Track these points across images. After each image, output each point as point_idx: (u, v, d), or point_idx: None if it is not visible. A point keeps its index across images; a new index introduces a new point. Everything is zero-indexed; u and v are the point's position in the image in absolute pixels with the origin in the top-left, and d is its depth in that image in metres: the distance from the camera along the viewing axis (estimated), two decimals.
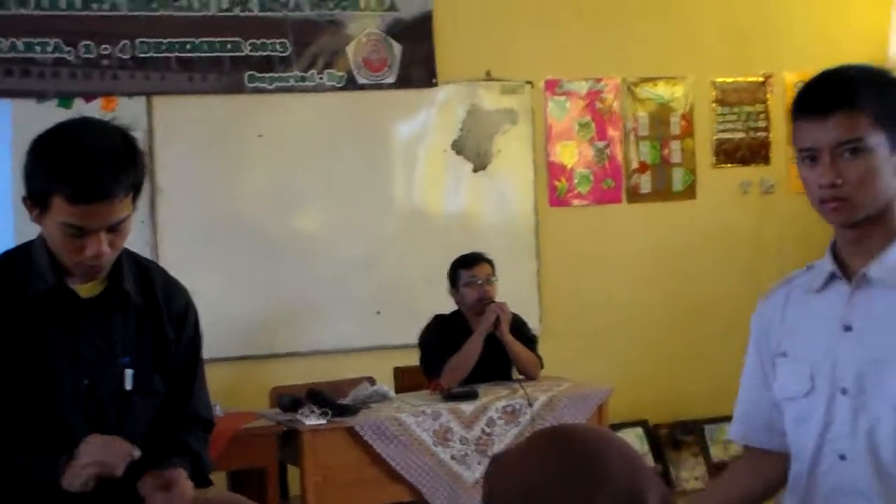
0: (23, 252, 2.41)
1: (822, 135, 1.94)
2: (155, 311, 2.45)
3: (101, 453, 2.28)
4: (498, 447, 4.60)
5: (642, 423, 6.31)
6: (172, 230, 5.48)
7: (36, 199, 2.25)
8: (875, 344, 1.96)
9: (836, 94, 1.95)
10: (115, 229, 2.26)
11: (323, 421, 4.43)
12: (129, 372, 2.39)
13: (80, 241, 2.24)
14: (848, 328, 2.00)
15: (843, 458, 2.00)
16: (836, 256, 2.05)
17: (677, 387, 6.45)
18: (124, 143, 2.30)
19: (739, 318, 6.53)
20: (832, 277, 2.05)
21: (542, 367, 5.10)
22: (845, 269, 2.04)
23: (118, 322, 2.40)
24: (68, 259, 2.29)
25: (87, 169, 2.19)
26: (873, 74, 2.02)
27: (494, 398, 4.71)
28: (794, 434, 2.09)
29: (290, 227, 5.85)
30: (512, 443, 4.61)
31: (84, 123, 2.39)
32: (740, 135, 6.68)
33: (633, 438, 6.06)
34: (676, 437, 6.34)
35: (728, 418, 6.74)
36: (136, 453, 2.30)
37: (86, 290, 2.38)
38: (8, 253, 2.45)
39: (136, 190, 2.28)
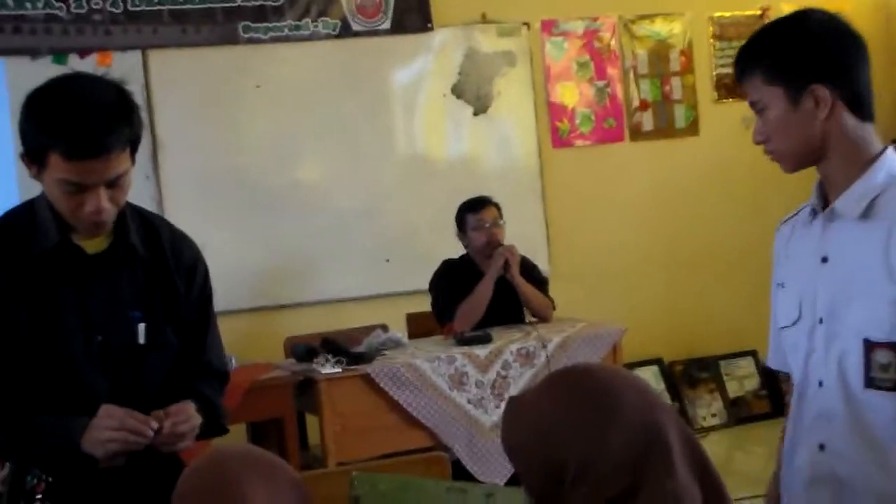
0: (26, 210, 2.35)
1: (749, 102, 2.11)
2: (163, 264, 2.40)
3: (120, 428, 2.24)
4: (514, 390, 4.59)
5: (657, 362, 6.31)
6: (175, 184, 5.43)
7: (33, 156, 2.20)
8: (844, 274, 2.04)
9: (740, 65, 2.14)
10: (115, 184, 2.21)
11: (338, 369, 4.41)
12: (141, 326, 2.34)
13: (80, 197, 2.19)
14: (825, 260, 2.08)
15: (821, 384, 2.08)
16: (823, 191, 2.14)
17: (690, 324, 6.45)
18: (119, 96, 2.24)
19: (745, 253, 6.62)
20: (814, 212, 2.14)
21: (554, 308, 5.08)
22: (827, 203, 2.11)
23: (126, 276, 2.35)
24: (70, 215, 2.25)
25: (82, 124, 2.14)
26: (769, 32, 2.14)
27: (508, 341, 4.68)
28: (791, 362, 2.19)
29: (292, 178, 5.81)
30: (528, 385, 4.60)
31: (76, 78, 2.33)
32: None
33: (649, 377, 6.05)
34: (692, 374, 6.35)
35: (742, 353, 6.78)
36: (155, 425, 2.26)
37: (91, 245, 2.33)
38: (11, 211, 2.39)
39: (133, 144, 2.23)
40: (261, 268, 5.61)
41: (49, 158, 2.15)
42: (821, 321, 2.06)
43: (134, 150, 2.24)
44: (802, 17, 2.10)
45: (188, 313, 2.44)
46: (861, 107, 2.06)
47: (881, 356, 1.99)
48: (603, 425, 1.48)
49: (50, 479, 2.13)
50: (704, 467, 1.50)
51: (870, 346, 1.99)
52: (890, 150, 2.10)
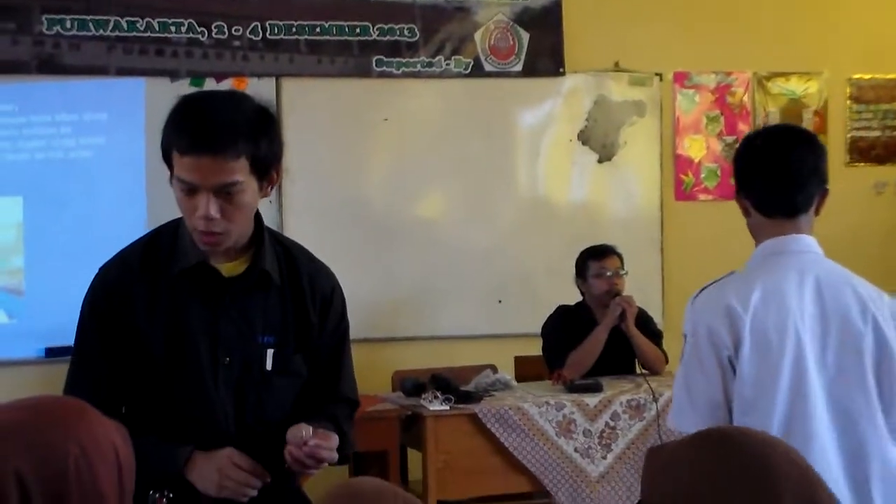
0: (172, 228, 2.41)
1: None
2: (298, 293, 2.42)
3: (244, 484, 2.28)
4: (622, 442, 4.52)
5: None
6: (297, 212, 5.50)
7: (165, 158, 2.26)
8: None
9: None
10: (227, 194, 2.21)
11: (446, 407, 4.39)
12: (269, 352, 2.36)
13: (193, 201, 2.22)
14: None
15: None
16: None
17: None
18: (253, 109, 2.27)
19: None
20: None
21: (666, 362, 4.99)
22: None
23: (259, 301, 2.37)
24: (188, 223, 2.28)
25: (201, 120, 2.19)
26: None
27: (619, 392, 4.61)
28: None
29: (413, 213, 5.84)
30: (637, 438, 4.52)
31: (223, 90, 2.39)
32: (876, 133, 6.46)
33: None
34: None
35: None
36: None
37: (228, 269, 2.36)
38: (159, 229, 2.45)
39: (256, 160, 2.22)
40: (375, 300, 5.63)
41: (172, 157, 2.22)
42: None
43: (258, 169, 2.24)
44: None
45: (323, 344, 2.45)
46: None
47: None
48: (759, 500, 1.42)
49: (171, 496, 2.15)
50: None
51: None
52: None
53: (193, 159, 2.18)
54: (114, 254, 2.43)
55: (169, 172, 2.28)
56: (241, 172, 2.21)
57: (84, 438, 1.46)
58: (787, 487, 1.42)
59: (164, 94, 5.11)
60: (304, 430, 2.24)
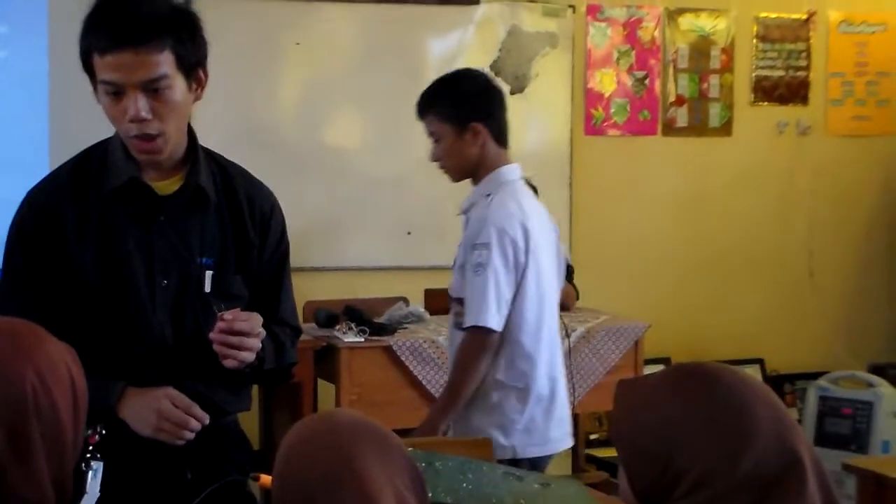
0: (100, 148, 2.32)
1: None
2: (237, 212, 2.33)
3: (177, 422, 2.19)
4: None
5: (665, 361, 6.25)
6: (204, 136, 5.22)
7: (85, 65, 2.18)
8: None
9: (420, 106, 3.46)
10: (155, 91, 2.13)
11: (360, 339, 4.36)
12: (208, 273, 2.28)
13: (121, 104, 2.14)
14: None
15: None
16: None
17: (701, 326, 6.40)
18: (173, 5, 2.19)
19: (767, 260, 6.56)
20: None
21: (577, 297, 5.02)
22: None
23: (196, 220, 2.28)
24: (120, 131, 2.20)
25: (120, 15, 2.12)
26: (443, 83, 3.51)
27: None
28: None
29: (322, 141, 5.74)
30: None
31: None
32: (780, 73, 6.55)
33: None
34: None
35: (749, 360, 6.74)
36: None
37: (162, 187, 2.27)
38: (86, 150, 2.35)
39: (180, 55, 2.15)
40: None
41: (93, 61, 2.13)
42: None
43: (184, 65, 2.16)
44: (465, 74, 3.38)
45: (262, 267, 2.37)
46: (500, 138, 3.22)
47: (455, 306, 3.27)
48: (736, 445, 1.42)
49: (104, 433, 2.08)
50: (829, 495, 1.44)
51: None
52: (504, 169, 3.23)
53: (115, 57, 2.10)
54: (17, 174, 2.34)
55: (92, 84, 2.19)
56: (167, 65, 2.13)
57: (41, 363, 1.40)
58: (762, 426, 1.45)
59: (67, 5, 4.88)
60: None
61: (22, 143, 4.98)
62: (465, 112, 3.17)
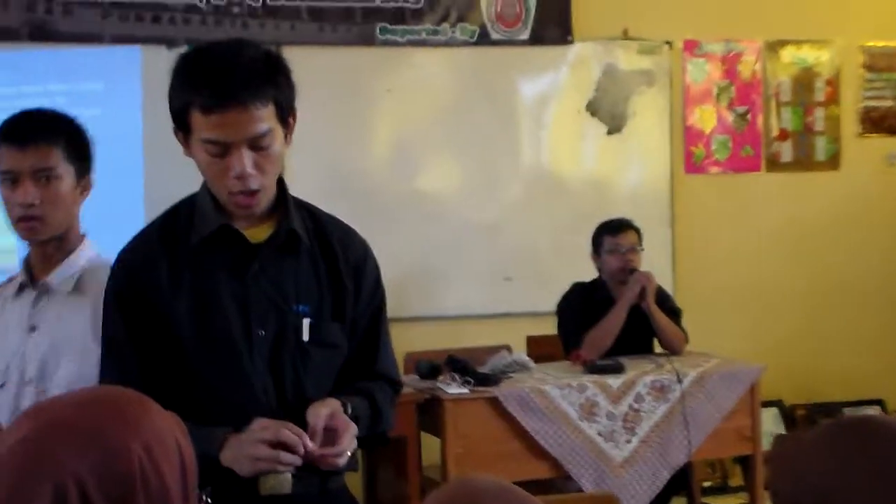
0: (188, 201, 2.25)
1: None
2: (331, 257, 2.23)
3: (275, 441, 2.05)
4: (646, 425, 4.36)
5: (777, 403, 6.02)
6: (296, 186, 5.16)
7: (179, 121, 2.09)
8: (53, 338, 2.45)
9: None
10: (260, 146, 2.05)
11: (465, 390, 4.20)
12: (305, 321, 2.17)
13: (224, 162, 2.05)
14: (33, 329, 2.47)
15: None
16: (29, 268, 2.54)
17: (814, 366, 6.15)
18: (266, 55, 2.11)
19: (880, 296, 6.30)
20: (22, 287, 2.52)
21: (686, 341, 4.82)
22: (34, 280, 2.52)
23: (290, 267, 2.19)
24: (219, 188, 2.11)
25: (220, 73, 2.02)
26: None
27: (641, 372, 4.44)
28: None
29: (416, 187, 5.65)
30: (661, 421, 4.36)
31: (227, 39, 2.20)
32: (888, 103, 6.30)
33: (769, 419, 5.75)
34: (815, 419, 6.03)
35: (868, 402, 6.47)
36: (310, 444, 2.06)
37: (253, 234, 2.18)
38: (173, 206, 2.28)
39: (279, 106, 2.08)
40: None
41: (191, 118, 2.04)
42: (28, 382, 2.43)
43: (283, 115, 2.09)
44: None
45: (358, 315, 2.25)
46: None
47: None
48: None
49: (209, 501, 1.97)
50: None
51: None
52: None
53: (220, 115, 2.01)
54: (112, 232, 2.30)
55: (180, 138, 2.11)
56: (268, 119, 2.06)
57: (148, 436, 1.29)
58: None
59: (161, 63, 4.86)
60: (307, 440, 2.05)
61: (117, 201, 4.96)
62: None
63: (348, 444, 2.10)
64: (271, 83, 2.06)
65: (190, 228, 2.18)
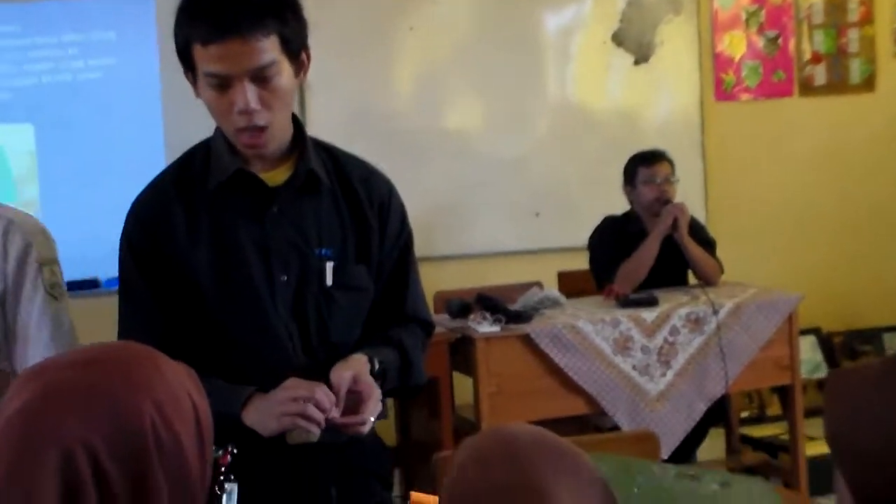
0: (203, 147, 2.18)
1: None
2: (353, 197, 2.15)
3: (309, 398, 1.98)
4: (682, 358, 4.29)
5: (815, 331, 5.93)
6: (320, 126, 5.15)
7: (184, 59, 2.02)
8: None
9: None
10: (263, 79, 1.98)
11: (496, 328, 4.14)
12: (329, 265, 2.11)
13: (228, 96, 1.98)
14: None
15: None
16: None
17: (852, 292, 6.05)
18: None
19: None
20: None
21: (722, 272, 4.74)
22: None
23: (310, 209, 2.12)
24: (226, 126, 2.05)
25: (219, 5, 1.95)
26: None
27: (676, 305, 4.36)
28: None
29: (441, 125, 5.56)
30: (697, 352, 4.29)
31: None
32: None
33: (807, 347, 5.67)
34: (853, 346, 5.95)
35: None
36: (333, 413, 1.99)
37: (271, 177, 2.12)
38: (188, 152, 2.21)
39: (285, 39, 1.99)
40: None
41: (194, 53, 1.97)
42: None
43: (288, 48, 2.01)
44: None
45: (384, 256, 2.18)
46: None
47: None
48: None
49: (235, 451, 1.92)
50: None
51: None
52: None
53: (220, 46, 1.94)
54: (133, 181, 2.19)
55: (190, 78, 2.05)
56: (274, 51, 1.97)
57: (159, 393, 1.21)
58: None
59: (174, 10, 4.80)
60: (337, 384, 1.98)
61: (138, 149, 4.92)
62: None
63: (372, 412, 2.03)
64: (273, 16, 1.98)
65: (206, 174, 2.12)
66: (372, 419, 2.03)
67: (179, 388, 1.25)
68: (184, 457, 1.21)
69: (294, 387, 2.00)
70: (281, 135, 2.09)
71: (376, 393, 2.04)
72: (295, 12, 2.04)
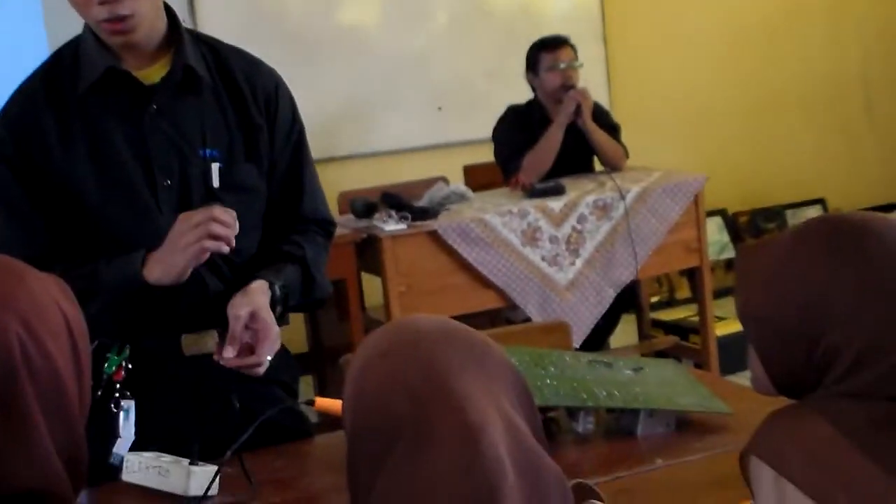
0: (71, 45, 2.04)
1: None
2: (236, 94, 2.04)
3: (199, 223, 1.88)
4: (590, 245, 4.27)
5: (721, 212, 5.97)
6: (211, 27, 5.01)
7: None
8: None
9: None
10: None
11: (402, 226, 4.07)
12: (214, 166, 2.00)
13: None
14: None
15: None
16: None
17: (755, 172, 6.10)
18: None
19: (821, 94, 6.19)
20: None
21: (627, 156, 4.71)
22: None
23: (191, 109, 2.00)
24: (89, 18, 1.92)
25: None
26: None
27: (582, 192, 4.33)
28: None
29: (336, 21, 5.40)
30: (605, 240, 4.27)
31: None
32: None
33: (714, 229, 5.71)
34: (758, 224, 6.01)
35: (810, 202, 6.48)
36: (228, 354, 1.91)
37: (146, 76, 1.99)
38: (56, 51, 2.07)
39: None
40: (306, 119, 5.19)
41: None
42: None
43: None
44: None
45: (276, 155, 2.08)
46: None
47: None
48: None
49: (130, 367, 1.82)
50: None
51: None
52: None
53: None
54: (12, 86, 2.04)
55: None
56: None
57: (25, 308, 1.10)
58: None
59: None
60: (232, 324, 1.90)
61: (22, 66, 4.68)
62: None
63: (268, 352, 1.94)
64: None
65: (76, 75, 1.98)
66: (269, 358, 1.94)
67: (48, 301, 1.14)
68: (58, 375, 1.11)
69: (187, 217, 1.91)
70: (150, 24, 1.96)
71: (273, 332, 1.95)
72: None
